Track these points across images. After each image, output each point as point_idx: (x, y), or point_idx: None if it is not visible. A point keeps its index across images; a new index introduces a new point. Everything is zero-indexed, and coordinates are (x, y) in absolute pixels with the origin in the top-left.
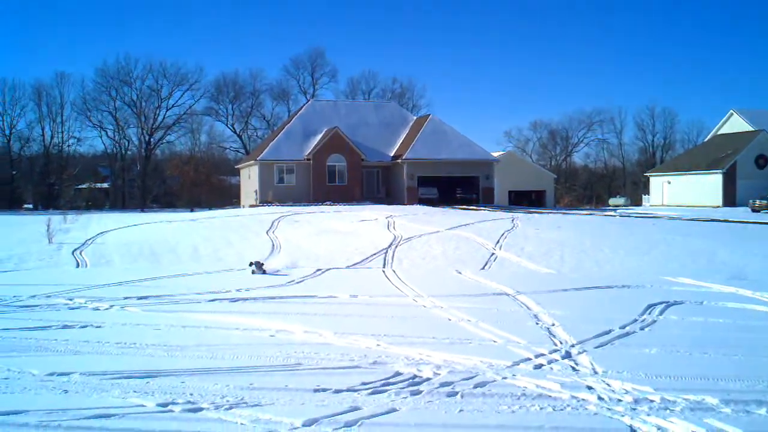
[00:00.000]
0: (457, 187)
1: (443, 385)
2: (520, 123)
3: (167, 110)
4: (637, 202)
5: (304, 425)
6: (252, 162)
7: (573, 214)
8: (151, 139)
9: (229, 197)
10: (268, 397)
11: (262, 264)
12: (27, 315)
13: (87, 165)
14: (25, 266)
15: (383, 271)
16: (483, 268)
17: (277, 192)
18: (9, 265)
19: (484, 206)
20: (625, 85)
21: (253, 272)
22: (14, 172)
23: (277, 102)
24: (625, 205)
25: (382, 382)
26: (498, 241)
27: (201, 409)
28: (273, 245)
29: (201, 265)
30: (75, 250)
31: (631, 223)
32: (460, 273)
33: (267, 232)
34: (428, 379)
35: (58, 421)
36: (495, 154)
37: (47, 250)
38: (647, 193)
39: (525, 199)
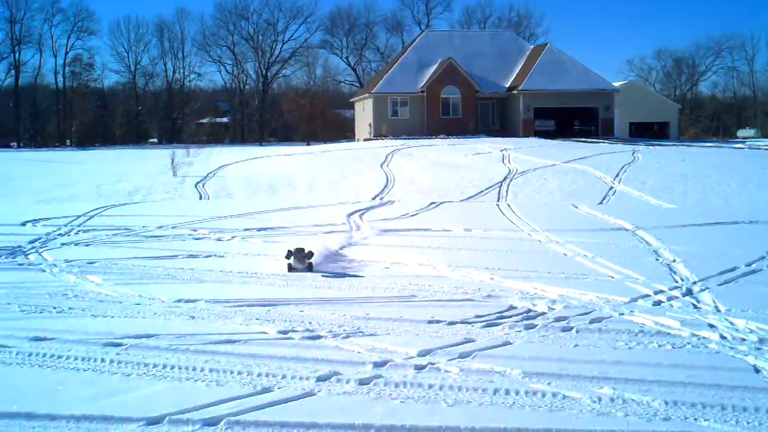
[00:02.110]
0: (574, 118)
1: (558, 319)
2: (643, 51)
3: (283, 44)
4: None
5: (419, 355)
6: (366, 95)
7: (698, 146)
8: (268, 74)
9: (343, 131)
10: (383, 328)
11: (306, 254)
12: (155, 244)
13: (207, 100)
14: (152, 198)
15: (497, 205)
16: (601, 203)
17: (391, 125)
18: (137, 197)
19: (603, 138)
20: (758, 6)
21: (290, 268)
22: (140, 108)
23: (391, 33)
24: (755, 137)
25: (496, 315)
26: (617, 175)
27: (319, 337)
28: (387, 179)
29: (317, 198)
30: (198, 182)
31: (761, 156)
32: (576, 207)
33: (381, 166)
34: (543, 314)
35: (186, 345)
36: (616, 84)
37: (172, 182)
38: None
39: (647, 131)
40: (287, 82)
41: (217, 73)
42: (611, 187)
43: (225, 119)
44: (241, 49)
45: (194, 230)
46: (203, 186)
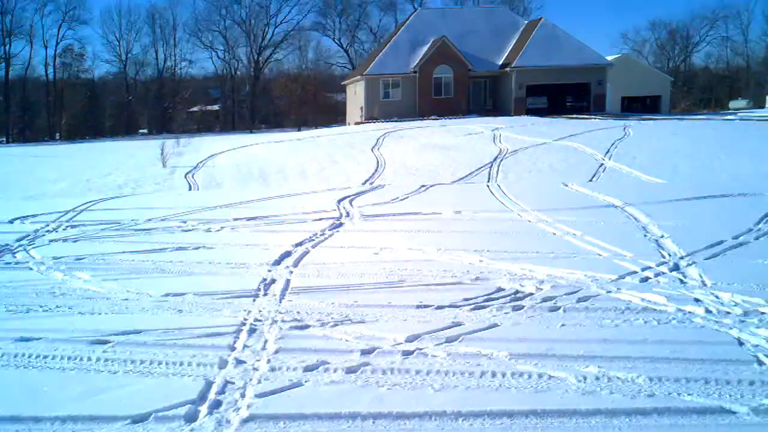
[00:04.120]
0: (567, 95)
1: (545, 300)
2: (638, 23)
3: (276, 27)
4: (761, 104)
5: (406, 341)
6: (358, 77)
7: (689, 119)
8: (260, 58)
9: (335, 115)
10: (371, 314)
11: None
12: (144, 238)
13: (198, 87)
14: (141, 190)
15: (488, 186)
16: (591, 180)
17: (383, 108)
18: (127, 190)
19: (595, 114)
20: None
21: None
22: (130, 98)
23: (384, 13)
24: (747, 108)
25: (484, 297)
26: (608, 151)
27: (308, 327)
28: (378, 162)
29: (307, 185)
30: (187, 173)
31: (752, 127)
32: (566, 185)
33: (372, 150)
34: (531, 294)
35: (174, 339)
36: (609, 58)
37: (162, 174)
38: None
39: (639, 105)
40: (279, 66)
41: (208, 60)
42: (602, 164)
43: (216, 107)
44: (234, 33)
45: (183, 222)
46: (193, 177)
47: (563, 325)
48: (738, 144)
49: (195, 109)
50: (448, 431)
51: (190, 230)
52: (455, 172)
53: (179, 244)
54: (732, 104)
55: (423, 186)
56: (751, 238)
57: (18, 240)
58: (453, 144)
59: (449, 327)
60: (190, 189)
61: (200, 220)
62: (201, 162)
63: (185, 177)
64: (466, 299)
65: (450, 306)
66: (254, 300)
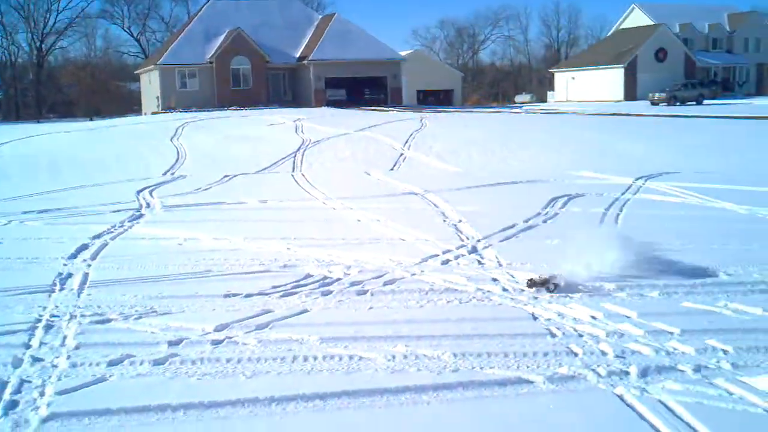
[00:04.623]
0: (365, 88)
1: (353, 284)
2: (427, 21)
3: (58, 13)
4: (543, 99)
5: (215, 330)
6: (152, 67)
7: (480, 111)
8: (43, 46)
9: (130, 105)
10: (177, 305)
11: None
12: None
13: None
14: None
15: (293, 176)
16: (392, 169)
17: (180, 98)
18: None
19: (393, 106)
20: None
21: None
22: None
23: (175, 3)
24: (531, 102)
25: (293, 284)
26: (407, 142)
27: (110, 320)
28: (178, 153)
29: (104, 176)
30: None
31: (536, 120)
32: (369, 174)
33: (171, 140)
34: (339, 280)
35: None
36: (402, 53)
37: None
38: (552, 89)
39: (433, 99)
40: (65, 54)
41: None
42: (402, 154)
43: None
44: (11, 18)
45: None
46: None
47: (371, 308)
48: (525, 135)
49: None
50: (261, 416)
51: None
52: (259, 162)
53: None
54: (518, 98)
55: (226, 176)
56: (539, 221)
57: None
58: (255, 134)
59: (259, 314)
60: None
61: None
62: None
63: None
64: (275, 286)
65: (259, 294)
66: (50, 295)
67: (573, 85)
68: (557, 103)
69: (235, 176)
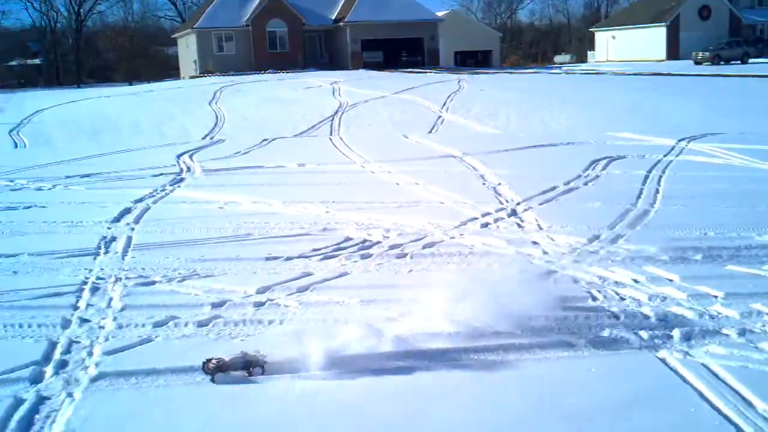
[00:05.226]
0: (402, 50)
1: (392, 247)
2: None
3: None
4: (583, 59)
5: (257, 292)
6: (188, 31)
7: (519, 73)
8: (81, 11)
9: (168, 69)
10: (219, 268)
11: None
12: None
13: (14, 41)
14: None
15: (330, 139)
16: (430, 132)
17: (217, 61)
18: None
19: (430, 68)
20: None
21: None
22: None
23: None
24: (570, 62)
25: (333, 247)
26: (444, 104)
27: (154, 283)
28: (217, 117)
29: (144, 141)
30: (11, 130)
31: (576, 80)
32: (407, 137)
33: (210, 104)
34: (378, 243)
35: (10, 301)
36: (440, 14)
37: None
38: (592, 49)
39: (471, 60)
40: (103, 19)
41: (23, 11)
42: (439, 116)
43: (37, 61)
44: None
45: (11, 181)
46: (18, 133)
47: (410, 270)
48: (565, 96)
49: (14, 63)
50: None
51: (19, 189)
52: (297, 126)
53: (8, 203)
54: (557, 58)
55: (265, 140)
56: (580, 183)
57: None
58: (293, 98)
59: (299, 277)
60: (16, 147)
61: (29, 179)
62: (26, 118)
63: (9, 134)
64: (315, 249)
65: (299, 257)
66: (95, 258)
67: (614, 45)
68: (597, 63)
69: (273, 140)
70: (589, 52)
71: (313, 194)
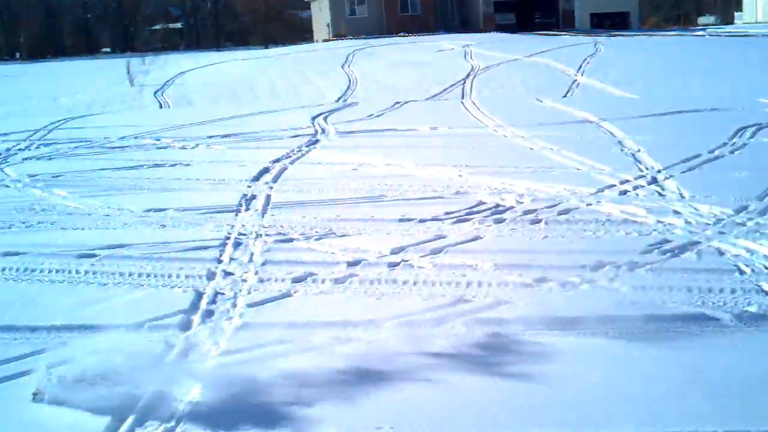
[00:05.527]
0: (535, 11)
1: (527, 212)
2: None
3: None
4: (729, 20)
5: (391, 253)
6: None
7: (659, 35)
8: None
9: (302, 32)
10: (354, 228)
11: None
12: (119, 155)
13: (158, 5)
14: (111, 109)
15: (462, 102)
16: (565, 96)
17: (350, 25)
18: (96, 109)
19: (564, 31)
20: None
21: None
22: (88, 15)
23: None
24: (715, 24)
25: (466, 211)
26: (580, 67)
27: (292, 240)
28: (350, 79)
29: (279, 102)
30: (156, 91)
31: (721, 43)
32: (540, 101)
33: (343, 67)
34: (511, 208)
35: (159, 253)
36: None
37: (130, 92)
38: (739, 9)
39: (608, 22)
40: None
41: None
42: (575, 80)
43: (179, 25)
44: None
45: (157, 140)
46: (162, 94)
47: (545, 236)
48: (708, 60)
49: (157, 27)
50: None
51: (164, 147)
52: (429, 89)
53: (155, 161)
54: (701, 20)
55: (397, 102)
56: (726, 151)
57: None
58: (424, 61)
59: (433, 239)
60: (160, 107)
61: (174, 138)
62: (170, 80)
63: (155, 95)
64: (448, 213)
65: (432, 219)
66: (236, 215)
67: (764, 4)
68: (746, 24)
69: (405, 103)
70: (735, 13)
71: (446, 157)
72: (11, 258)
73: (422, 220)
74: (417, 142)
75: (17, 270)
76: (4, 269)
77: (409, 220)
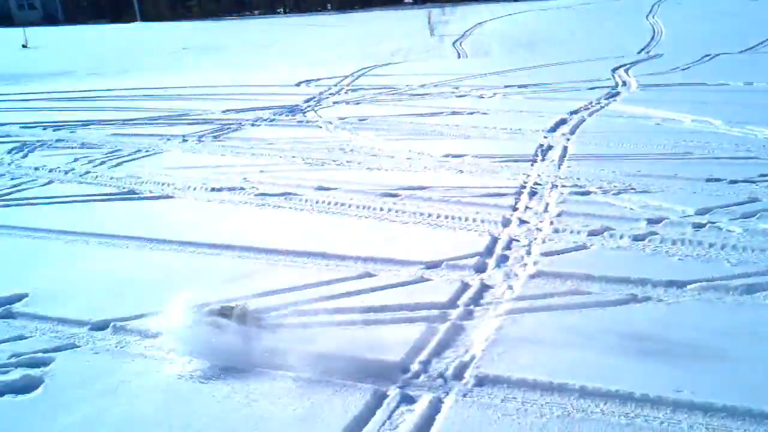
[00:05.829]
0: None
1: None
2: None
3: None
4: None
5: (696, 213)
6: None
7: None
8: None
9: None
10: (656, 185)
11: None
12: (419, 102)
13: None
14: (411, 58)
15: None
16: None
17: None
18: (398, 57)
19: None
20: None
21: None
22: None
23: None
24: None
25: None
26: None
27: (589, 193)
28: (654, 31)
29: (577, 54)
30: (455, 41)
31: None
32: None
33: (647, 17)
34: None
35: (456, 197)
36: None
37: (430, 42)
38: None
39: None
40: None
41: None
42: None
43: None
44: None
45: (455, 88)
46: (461, 44)
47: None
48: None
49: None
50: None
51: (462, 96)
52: (745, 40)
53: (453, 108)
54: None
55: (707, 55)
56: None
57: (306, 101)
58: (738, 11)
59: (745, 202)
60: (458, 57)
61: (472, 87)
62: (468, 30)
63: (453, 45)
64: (764, 175)
65: (745, 181)
66: (532, 165)
67: None
68: None
69: (716, 55)
70: None
71: (764, 116)
72: (324, 192)
73: (733, 181)
74: (728, 98)
75: (329, 203)
76: (318, 202)
77: (717, 180)
